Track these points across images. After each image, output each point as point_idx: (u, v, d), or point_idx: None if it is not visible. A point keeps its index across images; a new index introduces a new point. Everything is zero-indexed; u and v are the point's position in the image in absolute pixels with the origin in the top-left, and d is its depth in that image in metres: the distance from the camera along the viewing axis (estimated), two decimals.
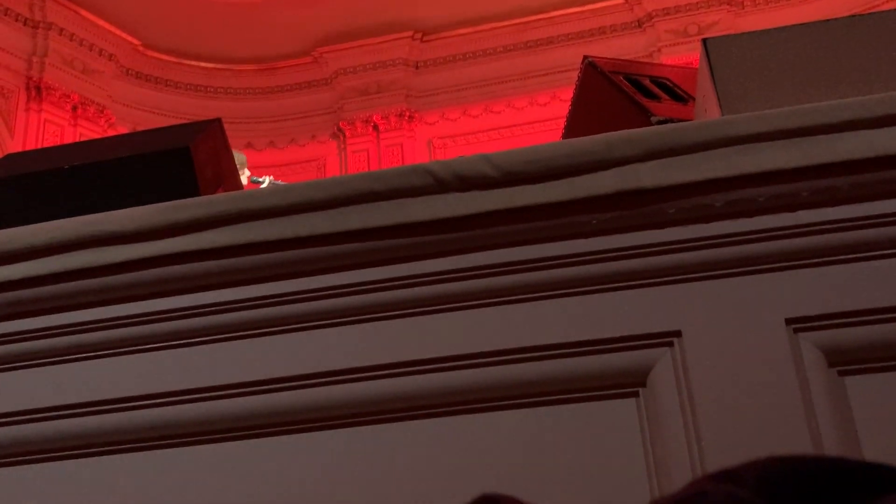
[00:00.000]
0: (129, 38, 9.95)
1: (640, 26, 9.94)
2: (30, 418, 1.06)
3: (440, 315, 0.98)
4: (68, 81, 9.41)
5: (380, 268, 1.00)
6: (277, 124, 10.51)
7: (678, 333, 0.92)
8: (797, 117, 0.94)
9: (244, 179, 4.45)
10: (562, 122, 2.00)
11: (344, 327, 1.00)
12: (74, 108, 9.42)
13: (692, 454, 0.87)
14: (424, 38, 10.34)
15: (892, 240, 0.90)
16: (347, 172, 9.07)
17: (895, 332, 0.88)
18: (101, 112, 9.71)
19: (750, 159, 0.93)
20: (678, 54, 9.19)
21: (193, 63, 10.43)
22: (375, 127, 10.29)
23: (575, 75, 1.86)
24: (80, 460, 1.04)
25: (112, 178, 1.37)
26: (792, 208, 0.92)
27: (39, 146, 8.59)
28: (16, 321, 1.08)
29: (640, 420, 0.91)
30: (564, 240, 0.96)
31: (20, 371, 1.08)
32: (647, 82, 1.69)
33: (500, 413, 0.95)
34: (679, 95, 1.70)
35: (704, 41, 1.29)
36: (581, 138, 0.99)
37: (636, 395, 0.93)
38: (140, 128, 8.73)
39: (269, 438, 1.00)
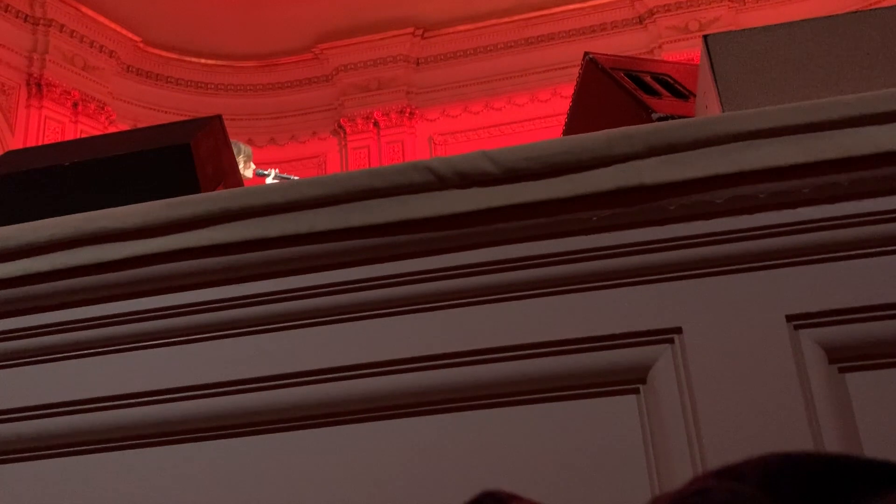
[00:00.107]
0: (130, 35, 9.94)
1: (641, 23, 9.93)
2: (30, 416, 1.06)
3: (440, 312, 0.98)
4: (69, 78, 9.41)
5: (381, 265, 1.00)
6: (278, 121, 10.51)
7: (679, 330, 0.92)
8: (798, 114, 0.94)
9: (249, 172, 4.43)
10: (563, 119, 2.00)
11: (345, 324, 1.00)
12: (75, 105, 9.42)
13: (693, 451, 0.87)
14: (425, 35, 10.33)
15: (893, 236, 0.90)
16: (348, 169, 9.09)
17: None
18: (102, 109, 9.71)
19: (751, 156, 0.93)
20: (679, 51, 9.18)
21: (194, 60, 10.42)
22: (376, 123, 10.28)
23: (576, 72, 1.86)
24: (80, 457, 1.04)
25: (113, 175, 1.37)
26: (793, 205, 0.92)
27: (40, 143, 8.59)
28: (16, 318, 1.08)
29: (641, 417, 0.91)
30: (565, 236, 0.96)
31: (20, 368, 1.08)
32: (647, 79, 1.68)
33: (500, 410, 0.95)
34: (680, 92, 1.69)
35: (705, 37, 1.29)
36: (582, 135, 0.98)
37: (637, 391, 0.93)
38: (141, 124, 8.74)
39: (273, 435, 1.00)
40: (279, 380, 1.00)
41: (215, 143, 1.47)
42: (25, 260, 1.07)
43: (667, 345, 0.92)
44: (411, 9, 9.90)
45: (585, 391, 0.93)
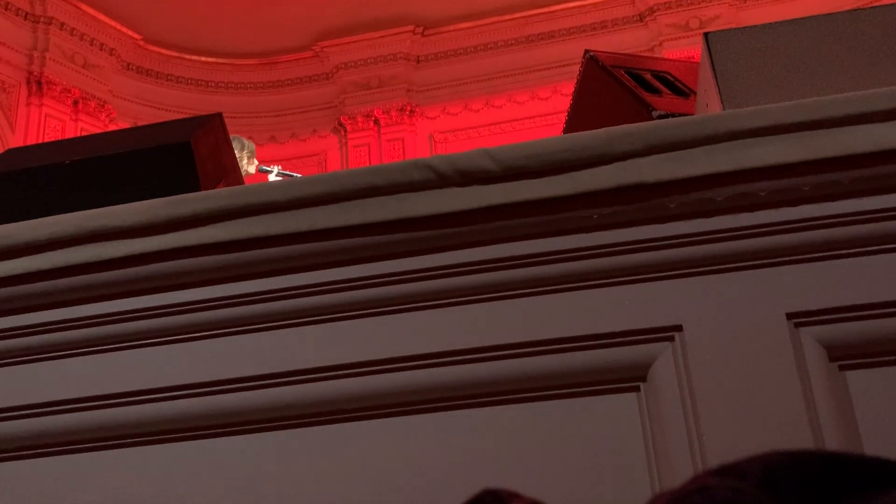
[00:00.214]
0: (130, 33, 9.94)
1: (641, 20, 9.92)
2: (30, 413, 1.06)
3: (441, 310, 0.98)
4: (69, 76, 9.41)
5: (381, 262, 1.00)
6: (278, 119, 10.51)
7: (679, 328, 0.92)
8: (799, 111, 0.94)
9: (252, 168, 4.42)
10: (563, 117, 2.00)
11: (346, 322, 1.00)
12: (75, 103, 9.42)
13: (693, 448, 0.87)
14: (425, 33, 10.33)
15: (893, 234, 0.90)
16: (348, 167, 9.09)
17: None
18: (102, 107, 9.71)
19: (751, 153, 0.93)
20: (679, 48, 9.18)
21: (194, 57, 10.42)
22: (376, 121, 10.28)
23: (576, 70, 1.86)
24: (80, 455, 1.04)
25: (113, 173, 1.37)
26: (793, 203, 0.92)
27: (40, 141, 8.59)
28: (16, 316, 1.08)
29: (642, 414, 0.91)
30: (565, 234, 0.96)
31: (21, 366, 1.08)
32: (648, 76, 1.68)
33: (501, 408, 0.95)
34: (680, 90, 1.69)
35: (706, 35, 1.29)
36: (582, 133, 0.98)
37: (637, 389, 0.93)
38: (141, 122, 8.74)
39: (273, 433, 1.00)
40: (282, 378, 1.00)
41: (215, 141, 1.47)
42: (26, 258, 1.07)
43: (667, 342, 0.92)
44: (411, 6, 9.90)
45: (586, 389, 0.93)
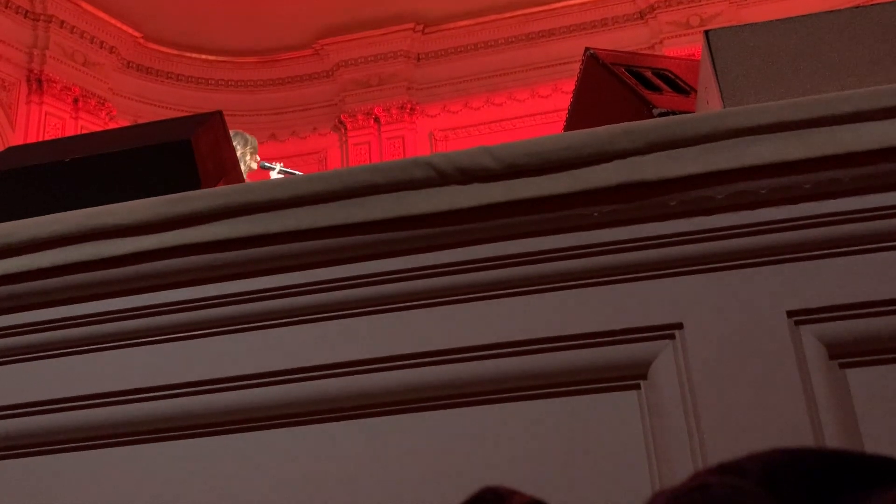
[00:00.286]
0: (130, 31, 9.93)
1: (641, 18, 9.92)
2: (29, 411, 1.06)
3: (441, 308, 0.98)
4: (69, 74, 9.41)
5: (381, 260, 1.00)
6: (278, 117, 10.50)
7: (679, 326, 0.92)
8: (799, 109, 0.93)
9: (254, 164, 4.41)
10: (563, 115, 2.00)
11: (347, 320, 1.01)
12: (75, 101, 9.41)
13: (693, 446, 0.87)
14: (426, 30, 10.32)
15: (894, 232, 0.90)
16: (349, 165, 9.09)
17: None
18: (102, 104, 9.71)
19: (752, 151, 0.93)
20: (680, 46, 9.17)
21: (194, 55, 10.41)
22: (377, 119, 10.27)
23: (577, 67, 1.86)
24: (80, 453, 1.04)
25: (113, 171, 1.37)
26: (794, 200, 0.92)
27: (41, 139, 8.58)
28: (17, 314, 1.09)
29: (642, 412, 0.91)
30: (566, 232, 0.96)
31: (21, 364, 1.08)
32: (648, 74, 1.68)
33: (500, 406, 0.95)
34: (681, 87, 1.69)
35: (706, 33, 1.29)
36: (582, 130, 0.98)
37: (637, 387, 0.93)
38: (141, 120, 8.74)
39: (276, 430, 1.00)
40: (283, 375, 1.00)
41: (216, 139, 1.47)
42: (26, 256, 1.07)
43: (667, 340, 0.92)
44: (412, 4, 9.89)
45: (586, 387, 0.93)
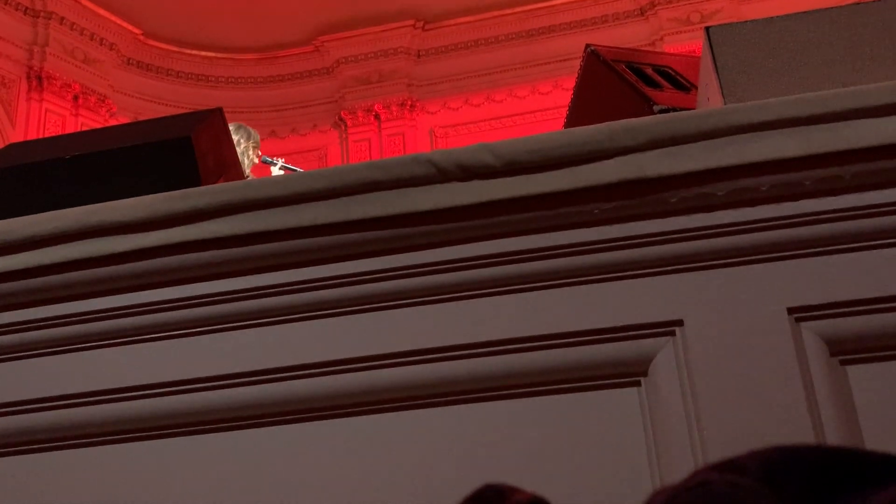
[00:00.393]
0: (130, 28, 9.92)
1: (642, 14, 9.90)
2: (28, 409, 1.06)
3: (442, 304, 0.98)
4: (69, 71, 9.40)
5: (382, 257, 1.00)
6: (279, 114, 10.50)
7: (680, 322, 0.92)
8: (800, 106, 0.93)
9: (255, 158, 4.40)
10: (564, 111, 2.00)
11: (347, 317, 1.01)
12: (76, 98, 9.41)
13: (693, 443, 0.87)
14: (426, 27, 10.31)
15: (894, 229, 0.90)
16: (349, 162, 9.07)
17: None
18: (103, 101, 9.70)
19: (753, 148, 0.92)
20: (681, 42, 9.16)
21: (194, 52, 10.40)
22: (377, 116, 10.27)
23: (577, 64, 1.86)
24: (79, 450, 1.05)
25: (114, 168, 1.37)
26: (794, 197, 0.92)
27: (41, 136, 8.58)
28: (17, 311, 1.09)
29: (642, 409, 0.91)
30: (566, 229, 0.96)
31: (21, 361, 1.08)
32: (649, 71, 1.68)
33: (501, 403, 0.95)
34: (681, 84, 1.69)
35: (707, 29, 1.28)
36: (583, 127, 0.98)
37: (638, 384, 0.93)
38: (141, 117, 8.73)
39: (276, 427, 1.00)
40: (283, 372, 1.00)
41: (216, 136, 1.47)
42: (26, 253, 1.07)
43: (668, 337, 0.92)
44: (412, 1, 9.88)
45: (586, 384, 0.93)
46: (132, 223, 1.05)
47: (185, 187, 1.09)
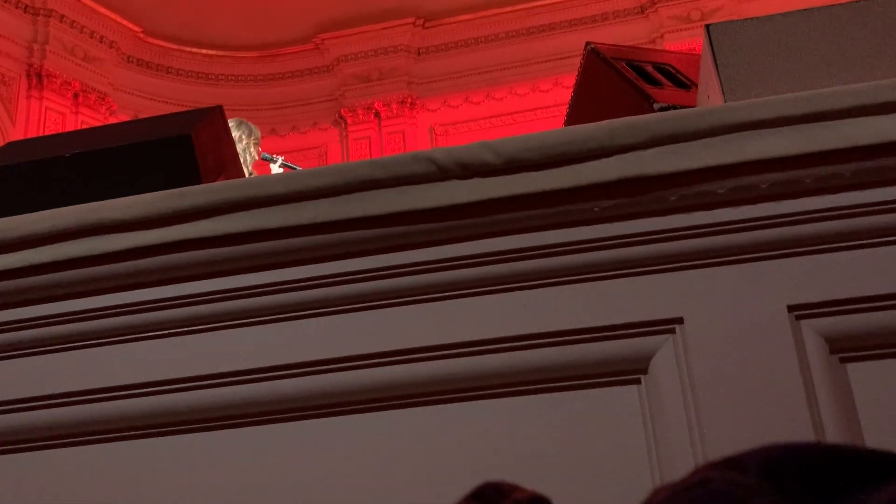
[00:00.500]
0: (130, 25, 9.92)
1: (642, 12, 9.90)
2: (28, 406, 1.06)
3: (442, 302, 0.98)
4: (69, 69, 9.40)
5: (382, 255, 1.00)
6: (279, 111, 10.49)
7: (680, 320, 0.92)
8: (800, 103, 0.93)
9: (256, 155, 4.40)
10: (564, 109, 2.00)
11: (347, 314, 1.00)
12: (76, 96, 9.41)
13: (694, 441, 0.87)
14: (426, 25, 10.30)
15: (895, 227, 0.90)
16: (349, 160, 9.08)
17: None
18: (103, 99, 9.70)
19: (753, 146, 0.92)
20: (681, 40, 9.16)
21: (194, 50, 10.40)
22: (377, 114, 10.26)
23: (577, 62, 1.86)
24: (77, 447, 1.05)
25: (114, 166, 1.37)
26: (795, 195, 0.92)
27: (41, 134, 8.58)
28: (17, 309, 1.09)
29: (642, 407, 0.91)
30: (566, 227, 0.96)
31: (21, 359, 1.08)
32: (649, 69, 1.68)
33: (501, 400, 0.95)
34: (682, 82, 1.69)
35: (707, 27, 1.28)
36: (583, 125, 0.98)
37: (638, 381, 0.93)
38: (141, 115, 8.72)
39: (274, 425, 1.00)
40: (283, 370, 1.00)
41: (216, 134, 1.47)
42: (26, 251, 1.07)
43: (668, 335, 0.92)
44: None
45: (587, 381, 0.93)
46: (132, 221, 1.05)
47: (185, 185, 1.09)
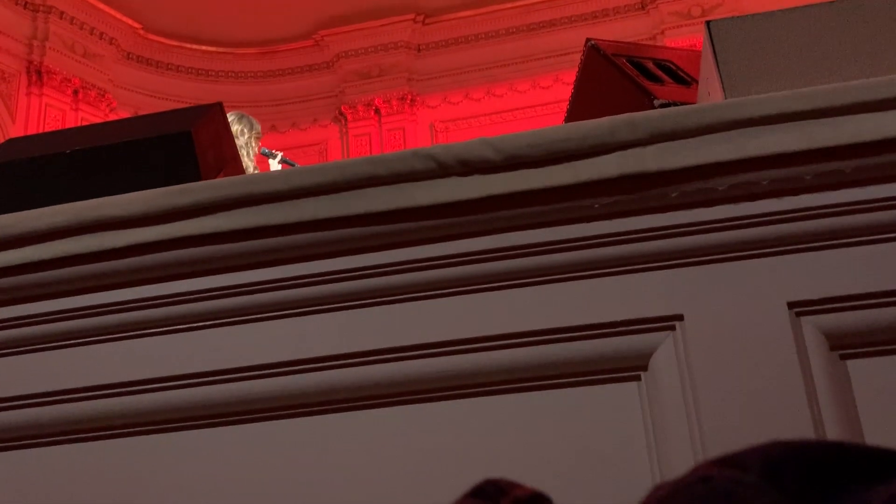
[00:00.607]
0: (130, 22, 9.92)
1: (643, 8, 9.89)
2: (27, 403, 1.06)
3: (442, 300, 0.98)
4: (69, 65, 9.39)
5: (382, 252, 1.00)
6: (279, 108, 10.49)
7: (680, 317, 0.92)
8: (801, 100, 0.93)
9: (257, 150, 4.40)
10: (564, 106, 2.00)
11: (347, 312, 1.00)
12: (76, 93, 9.40)
13: (693, 438, 0.87)
14: (426, 21, 10.29)
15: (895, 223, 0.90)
16: (349, 156, 9.08)
17: None
18: (103, 96, 9.70)
19: (753, 142, 0.92)
20: (682, 37, 9.15)
21: (194, 47, 10.39)
22: (377, 111, 10.26)
23: (578, 58, 1.86)
24: (75, 445, 1.05)
25: (114, 163, 1.37)
26: (795, 192, 0.92)
27: (41, 130, 8.58)
28: (17, 306, 1.09)
29: (642, 404, 0.91)
30: (566, 224, 0.96)
31: (20, 356, 1.08)
32: (650, 65, 1.68)
33: (501, 397, 0.95)
34: (682, 78, 1.69)
35: (708, 23, 1.28)
36: (583, 122, 0.98)
37: (638, 378, 0.93)
38: (141, 112, 8.73)
39: (276, 422, 1.00)
40: (283, 367, 1.00)
41: (216, 131, 1.47)
42: (26, 248, 1.07)
43: (668, 332, 0.92)
44: None
45: (587, 378, 0.93)
46: (132, 218, 1.05)
47: (186, 182, 1.09)
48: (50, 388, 1.06)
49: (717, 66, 1.23)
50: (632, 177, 0.94)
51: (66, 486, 1.03)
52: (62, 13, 9.34)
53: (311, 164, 1.09)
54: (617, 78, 1.62)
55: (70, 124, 8.98)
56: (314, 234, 1.01)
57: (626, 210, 0.95)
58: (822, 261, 0.91)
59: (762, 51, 1.23)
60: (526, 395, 0.94)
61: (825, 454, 0.37)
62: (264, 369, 1.00)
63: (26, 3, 9.11)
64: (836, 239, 0.91)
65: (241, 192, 1.02)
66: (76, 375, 1.06)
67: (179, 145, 1.34)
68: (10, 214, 1.10)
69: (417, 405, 0.97)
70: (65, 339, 1.07)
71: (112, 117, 9.36)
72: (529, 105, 9.81)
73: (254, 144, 4.32)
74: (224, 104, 1.59)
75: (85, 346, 1.07)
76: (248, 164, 4.15)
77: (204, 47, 10.43)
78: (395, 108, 10.22)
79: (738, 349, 0.89)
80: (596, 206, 0.95)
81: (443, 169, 0.98)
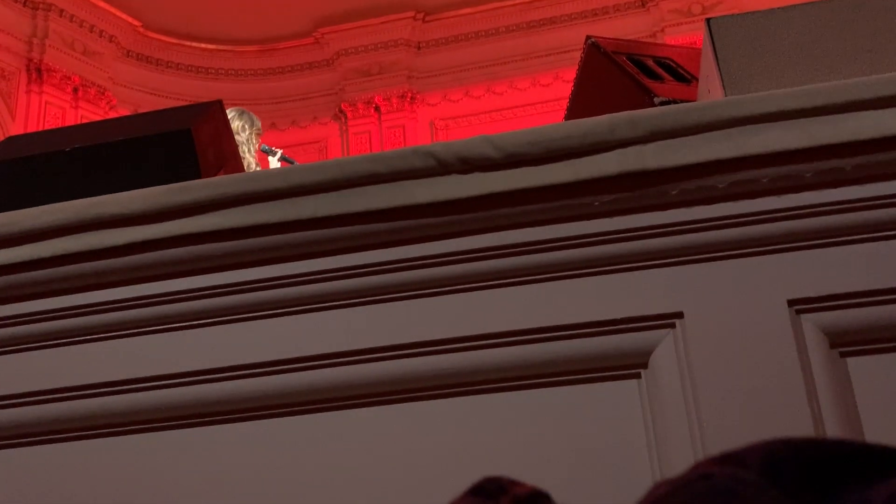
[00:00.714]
0: (130, 20, 9.91)
1: (643, 6, 9.88)
2: (27, 401, 1.06)
3: (443, 297, 0.98)
4: (69, 63, 9.39)
5: (382, 250, 1.00)
6: (279, 106, 10.48)
7: (680, 315, 0.92)
8: (801, 98, 0.93)
9: (257, 144, 4.40)
10: (564, 103, 2.00)
11: (347, 310, 1.00)
12: (75, 90, 9.40)
13: (693, 435, 0.87)
14: (426, 19, 10.29)
15: (895, 221, 0.90)
16: (349, 154, 9.08)
17: None
18: (102, 94, 9.69)
19: (754, 140, 0.92)
20: (682, 34, 9.15)
21: (194, 44, 10.39)
22: (377, 108, 10.26)
23: (578, 56, 1.86)
24: (73, 443, 1.05)
25: (114, 161, 1.37)
26: (795, 189, 0.92)
27: (41, 128, 8.58)
28: (18, 304, 1.09)
29: (642, 401, 0.91)
30: (567, 222, 0.96)
31: (20, 354, 1.08)
32: (650, 63, 1.68)
33: (502, 395, 0.95)
34: (682, 76, 1.69)
35: (708, 21, 1.28)
36: (584, 119, 0.98)
37: (638, 376, 0.93)
38: (141, 109, 8.73)
39: (271, 422, 1.00)
40: (282, 365, 1.00)
41: (216, 129, 1.47)
42: (27, 246, 1.07)
43: (668, 330, 0.92)
44: None
45: (587, 376, 0.93)
46: (132, 216, 1.05)
47: (186, 180, 1.09)
48: (49, 386, 1.06)
49: (718, 64, 1.23)
50: (632, 174, 0.94)
51: (60, 486, 1.03)
52: (62, 11, 9.34)
53: (311, 162, 1.09)
54: (617, 75, 1.62)
55: (70, 122, 8.98)
56: (314, 232, 1.01)
57: (626, 208, 0.95)
58: (823, 258, 0.91)
59: (762, 48, 1.23)
60: (526, 393, 0.94)
61: (825, 452, 0.37)
62: (265, 367, 1.00)
63: (26, 0, 9.10)
64: (836, 237, 0.91)
65: (240, 190, 1.02)
66: (75, 373, 1.05)
67: (179, 143, 1.34)
68: (9, 212, 1.10)
69: (419, 403, 0.97)
70: (64, 338, 1.07)
71: (112, 115, 9.35)
72: (529, 103, 9.81)
73: (255, 141, 4.32)
74: (224, 102, 1.59)
75: (84, 344, 1.07)
76: (250, 160, 4.15)
77: (204, 45, 10.42)
78: (395, 105, 10.21)
79: (738, 347, 0.89)
80: (596, 203, 0.95)
81: (443, 167, 0.98)
